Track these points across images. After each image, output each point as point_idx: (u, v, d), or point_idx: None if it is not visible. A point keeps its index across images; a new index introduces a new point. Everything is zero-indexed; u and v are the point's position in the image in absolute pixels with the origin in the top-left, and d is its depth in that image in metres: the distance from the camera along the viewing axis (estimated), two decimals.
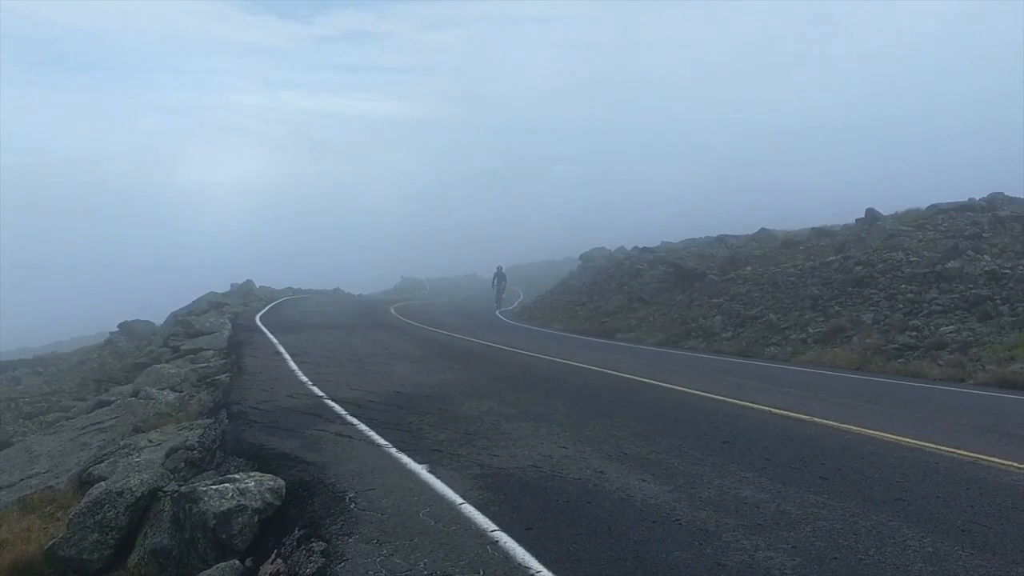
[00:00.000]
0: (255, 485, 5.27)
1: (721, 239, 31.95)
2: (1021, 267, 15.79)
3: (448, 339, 18.93)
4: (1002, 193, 22.95)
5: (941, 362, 13.22)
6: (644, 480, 5.33)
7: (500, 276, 37.60)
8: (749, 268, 23.49)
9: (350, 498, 5.00)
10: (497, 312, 35.10)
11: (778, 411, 8.10)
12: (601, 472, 5.54)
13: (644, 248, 36.48)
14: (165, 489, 6.26)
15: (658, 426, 7.29)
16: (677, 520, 4.48)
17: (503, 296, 37.82)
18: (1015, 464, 5.73)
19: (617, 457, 6.01)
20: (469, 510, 4.70)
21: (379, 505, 4.85)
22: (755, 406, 8.46)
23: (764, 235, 29.37)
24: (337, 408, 8.14)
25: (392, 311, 31.53)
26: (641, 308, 25.91)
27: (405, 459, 5.96)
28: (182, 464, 7.12)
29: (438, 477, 5.43)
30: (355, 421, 7.44)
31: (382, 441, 6.58)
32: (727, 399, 8.99)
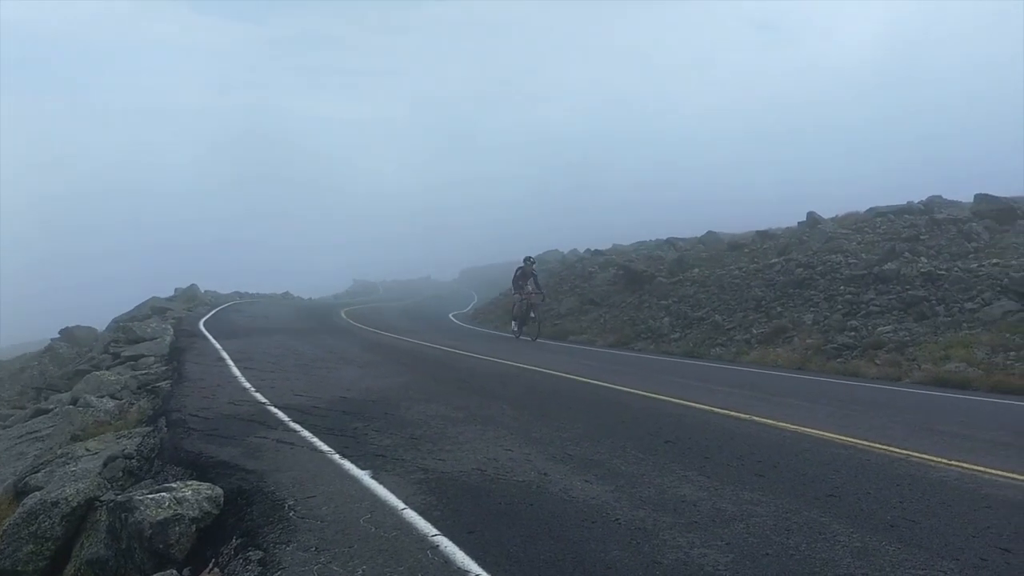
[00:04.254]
0: (192, 494, 5.19)
1: (670, 242, 32.38)
2: (956, 269, 16.31)
3: (398, 343, 18.84)
4: (940, 196, 23.69)
5: (878, 361, 13.60)
6: (587, 481, 5.39)
7: (527, 276, 21.22)
8: (696, 270, 23.84)
9: (289, 506, 4.97)
10: (450, 315, 34.98)
11: (720, 411, 8.26)
12: (545, 474, 5.59)
13: (596, 251, 36.81)
14: (102, 499, 6.13)
15: (604, 427, 7.37)
16: (617, 520, 4.54)
17: (531, 316, 20.75)
18: (943, 460, 5.93)
19: (562, 458, 6.07)
20: (411, 515, 4.71)
21: (319, 512, 4.82)
22: (699, 406, 8.61)
23: (711, 238, 29.84)
24: (280, 415, 8.05)
25: (342, 315, 31.25)
26: (593, 310, 26.09)
27: (348, 465, 5.93)
28: (120, 473, 6.98)
29: (381, 483, 5.42)
30: (298, 427, 7.37)
31: (325, 447, 6.53)
32: (672, 399, 9.13)
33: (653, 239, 36.18)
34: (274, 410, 8.34)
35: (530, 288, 21.24)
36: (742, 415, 7.97)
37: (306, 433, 7.13)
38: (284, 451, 6.48)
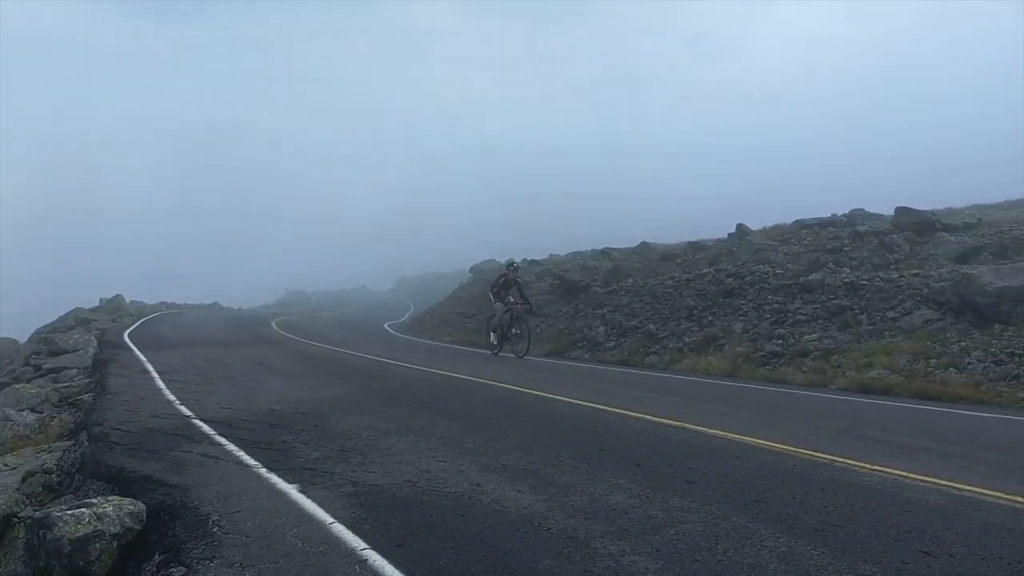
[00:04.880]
0: (114, 510, 4.99)
1: (605, 252, 32.75)
2: (878, 279, 16.87)
3: (330, 353, 18.55)
4: (862, 209, 24.46)
5: (805, 369, 13.95)
6: (520, 491, 5.35)
7: (509, 285, 18.78)
8: (631, 280, 24.12)
9: (213, 521, 4.81)
10: (386, 325, 34.63)
11: (653, 418, 8.33)
12: (478, 484, 5.53)
13: (532, 261, 36.94)
14: (20, 515, 5.86)
15: (538, 437, 7.35)
16: (549, 529, 4.52)
17: (514, 331, 18.46)
18: (866, 465, 6.08)
19: (495, 469, 6.02)
20: (339, 529, 4.60)
21: (244, 528, 4.67)
22: (632, 414, 8.68)
23: (644, 248, 30.27)
24: (205, 428, 7.82)
25: (273, 325, 30.64)
26: (529, 320, 26.13)
27: (275, 479, 5.78)
28: (39, 488, 6.71)
29: (309, 497, 5.29)
30: (224, 441, 7.16)
31: (251, 461, 6.35)
32: (607, 408, 9.18)
33: (589, 249, 36.53)
34: (199, 423, 8.09)
35: (511, 299, 18.49)
36: (674, 422, 8.05)
37: (232, 447, 6.93)
38: (209, 465, 6.28)
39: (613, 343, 19.90)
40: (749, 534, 4.36)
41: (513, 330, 18.48)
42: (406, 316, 43.19)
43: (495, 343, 19.13)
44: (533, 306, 20.74)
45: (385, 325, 35.84)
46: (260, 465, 6.21)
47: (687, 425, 7.90)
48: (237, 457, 6.54)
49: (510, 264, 19.59)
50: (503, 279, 19.02)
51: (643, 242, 31.47)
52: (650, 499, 5.08)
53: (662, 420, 8.24)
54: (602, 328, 21.04)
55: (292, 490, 5.46)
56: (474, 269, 44.56)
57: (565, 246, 41.62)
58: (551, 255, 38.69)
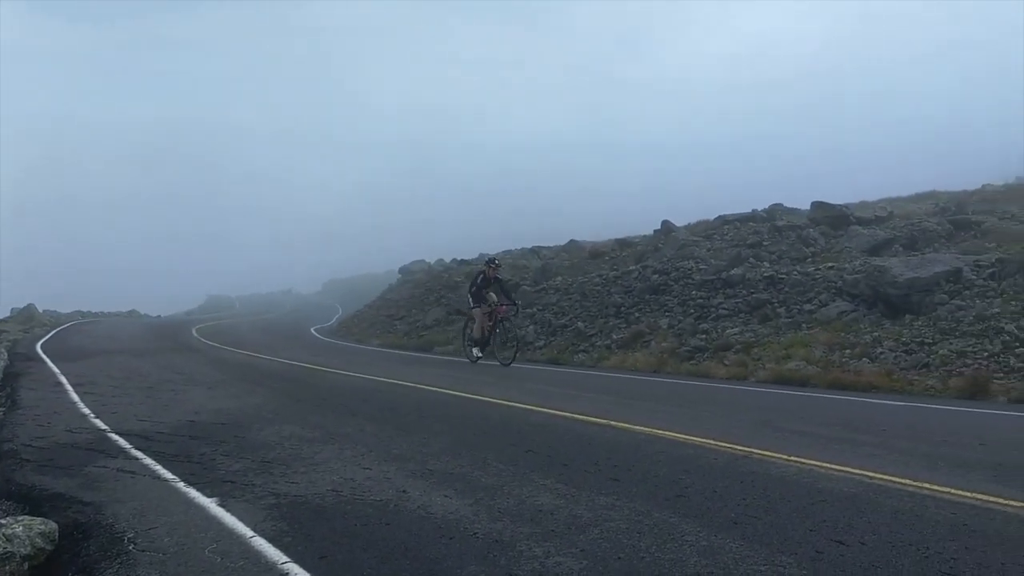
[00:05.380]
0: (24, 530, 4.75)
1: (534, 250, 32.93)
2: (796, 272, 17.40)
3: (253, 360, 18.14)
4: (781, 204, 25.21)
5: (727, 362, 14.29)
6: (447, 496, 5.32)
7: (489, 283, 17.01)
8: (559, 278, 24.31)
9: (129, 539, 4.63)
10: (312, 330, 34.07)
11: (580, 417, 8.41)
12: (404, 491, 5.48)
13: (462, 260, 36.89)
14: None
15: (466, 440, 7.33)
16: (475, 533, 4.50)
17: (497, 333, 16.82)
18: (783, 457, 6.26)
19: (422, 474, 5.97)
20: (260, 543, 4.48)
21: (161, 544, 4.51)
22: (560, 413, 8.73)
23: (573, 246, 30.55)
24: (121, 442, 7.53)
25: (194, 332, 29.81)
26: (459, 320, 26.05)
27: (193, 493, 5.60)
28: None
29: (228, 510, 5.14)
30: (140, 455, 6.91)
31: (169, 475, 6.14)
32: (535, 408, 9.21)
33: (519, 248, 36.67)
34: (115, 437, 7.79)
35: (493, 297, 16.74)
36: (600, 420, 8.14)
37: (149, 461, 6.69)
38: (125, 480, 6.05)
39: (543, 342, 20.03)
40: (671, 529, 4.43)
41: (497, 333, 16.65)
42: (334, 319, 42.61)
43: (474, 350, 17.09)
44: (520, 306, 19.12)
45: (312, 329, 35.27)
46: (178, 479, 6.01)
47: (613, 422, 7.99)
48: (154, 471, 6.32)
49: (490, 260, 17.35)
50: (482, 277, 16.96)
51: (572, 240, 31.76)
52: (576, 499, 5.11)
53: (589, 418, 8.32)
54: (531, 327, 21.14)
55: (211, 504, 5.30)
56: (403, 270, 44.22)
57: (496, 245, 41.74)
58: (481, 254, 38.69)
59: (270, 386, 12.36)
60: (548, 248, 32.71)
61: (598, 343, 18.34)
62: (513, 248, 37.66)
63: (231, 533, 4.69)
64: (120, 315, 43.34)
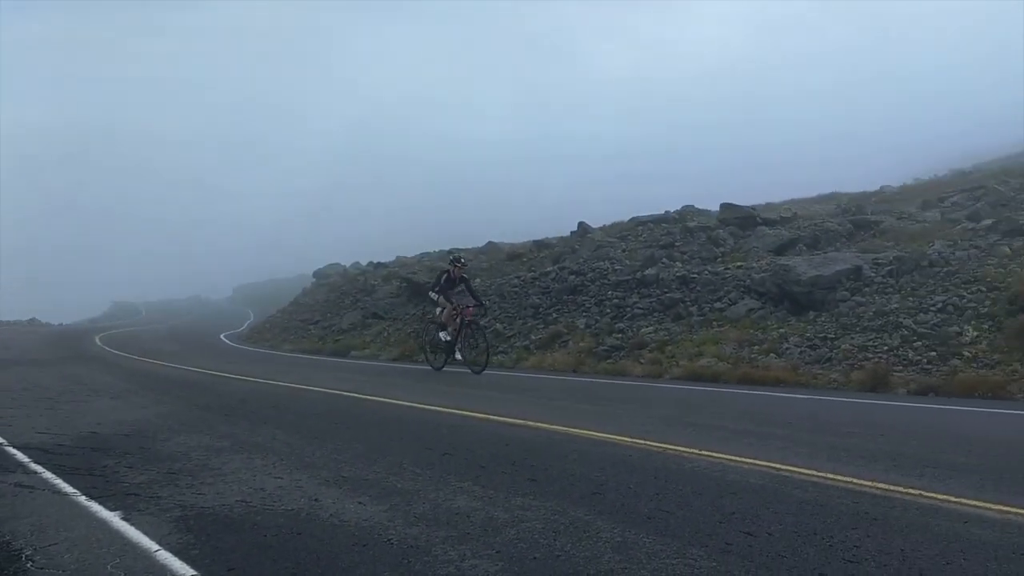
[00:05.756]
0: None
1: (452, 253, 32.81)
2: (706, 272, 17.85)
3: (159, 369, 17.50)
4: (692, 206, 25.87)
5: (643, 360, 14.55)
6: (360, 503, 5.21)
7: (454, 282, 15.41)
8: (478, 280, 24.29)
9: (27, 556, 4.37)
10: (222, 336, 33.10)
11: (498, 418, 8.40)
12: (316, 500, 5.34)
13: (378, 263, 36.51)
14: None
15: (381, 445, 7.22)
16: (389, 540, 4.42)
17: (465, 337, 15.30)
18: (695, 451, 6.38)
19: (335, 482, 5.84)
20: (165, 556, 4.30)
21: (60, 561, 4.28)
22: (478, 415, 8.71)
23: (491, 248, 30.61)
24: (19, 455, 7.13)
25: (97, 341, 28.61)
26: (376, 324, 25.82)
27: (95, 507, 5.33)
28: None
29: (132, 524, 4.91)
30: (40, 469, 6.55)
31: (70, 489, 5.84)
32: (452, 410, 9.16)
33: (437, 250, 36.51)
34: (12, 451, 7.37)
35: (459, 299, 15.27)
36: (518, 421, 8.14)
37: (49, 475, 6.35)
38: (23, 496, 5.72)
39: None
40: (586, 527, 4.44)
41: (463, 337, 15.07)
42: (244, 325, 41.54)
43: (436, 355, 15.77)
44: (487, 307, 18.32)
45: (222, 336, 34.27)
46: (79, 493, 5.72)
47: (531, 423, 8.01)
48: (54, 485, 6.00)
49: (455, 259, 15.69)
50: (446, 276, 15.39)
51: (490, 242, 31.82)
52: (493, 500, 5.09)
53: (507, 419, 8.31)
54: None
55: (114, 518, 5.06)
56: (318, 274, 43.45)
57: (414, 248, 41.45)
58: (398, 257, 38.35)
59: (177, 395, 11.94)
60: (466, 250, 32.68)
61: (516, 344, 18.41)
62: (431, 251, 37.50)
63: (135, 548, 4.49)
64: (18, 324, 41.19)
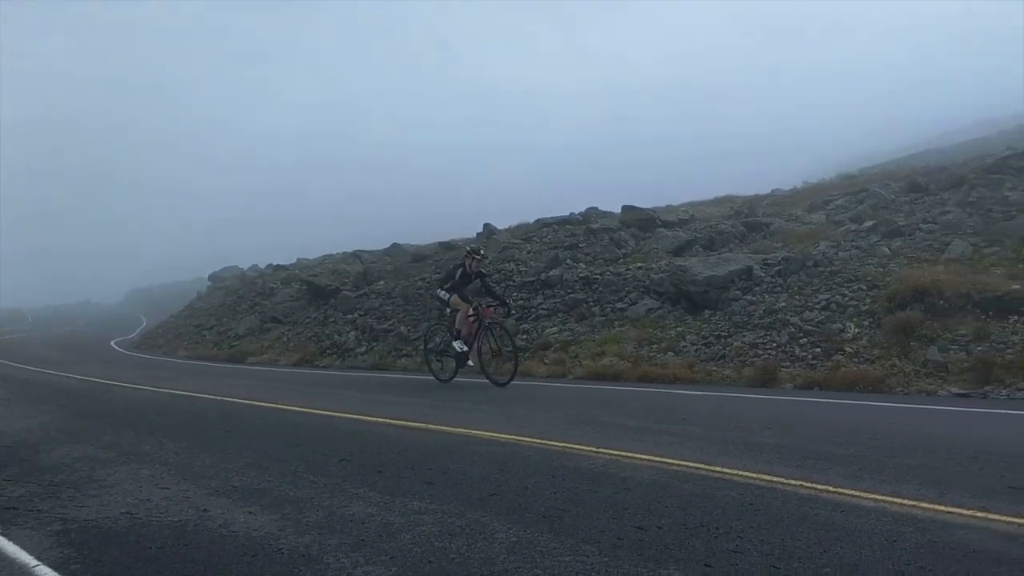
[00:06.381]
0: None
1: (356, 254, 32.35)
2: (609, 273, 18.17)
3: (44, 377, 16.61)
4: (596, 208, 26.26)
5: (547, 360, 14.70)
6: (251, 512, 5.07)
7: (469, 278, 12.98)
8: (382, 282, 24.05)
9: None
10: (112, 343, 31.64)
11: (397, 422, 8.32)
12: (204, 510, 5.17)
13: (278, 266, 35.65)
14: None
15: (275, 453, 7.04)
16: (280, 549, 4.31)
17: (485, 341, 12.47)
18: (593, 449, 6.49)
19: (225, 492, 5.66)
20: (44, 572, 4.11)
21: None
22: (377, 419, 8.61)
23: (396, 250, 30.31)
24: None
25: None
26: (275, 328, 25.19)
27: None
28: None
29: (10, 539, 4.68)
30: None
31: None
32: (351, 416, 9.03)
33: (339, 252, 35.91)
34: None
35: (474, 298, 13.06)
36: (418, 424, 8.10)
37: None
38: None
39: (364, 348, 19.72)
40: (482, 528, 4.46)
41: (483, 342, 12.45)
42: (136, 331, 39.83)
43: (445, 364, 13.07)
44: (511, 307, 15.82)
45: (112, 342, 32.75)
46: None
47: (432, 426, 7.98)
48: None
49: (472, 250, 13.31)
50: (460, 271, 12.97)
51: (394, 243, 31.51)
52: (389, 506, 5.03)
53: (406, 423, 8.25)
54: (353, 333, 20.77)
55: None
56: (213, 277, 42.05)
57: (317, 250, 40.63)
58: (299, 259, 37.52)
59: (61, 404, 11.35)
60: (370, 252, 32.27)
61: (421, 347, 18.28)
62: (333, 252, 36.86)
63: (12, 563, 4.28)
64: None
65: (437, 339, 13.40)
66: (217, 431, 8.53)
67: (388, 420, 8.49)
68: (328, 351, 20.39)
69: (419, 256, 27.21)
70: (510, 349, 12.40)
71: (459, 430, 7.66)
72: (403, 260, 27.67)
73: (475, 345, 12.42)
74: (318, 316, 24.01)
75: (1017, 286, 11.91)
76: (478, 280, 13.04)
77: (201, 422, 9.36)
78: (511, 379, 11.97)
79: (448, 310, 13.09)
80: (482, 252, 13.55)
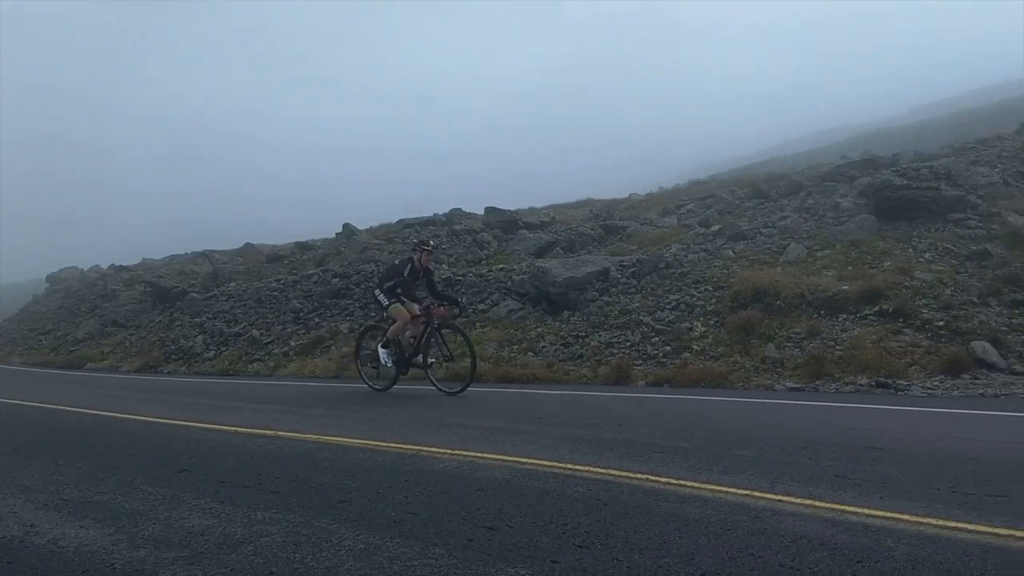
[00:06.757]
0: None
1: (205, 255, 30.94)
2: (471, 274, 18.25)
3: None
4: (460, 209, 26.39)
5: None
6: (83, 526, 4.72)
7: (417, 274, 11.30)
8: (233, 284, 23.14)
9: None
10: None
11: (244, 429, 7.99)
12: (31, 526, 4.77)
13: (121, 267, 33.58)
14: None
15: (110, 464, 6.60)
16: (112, 565, 4.03)
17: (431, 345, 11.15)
18: (448, 451, 6.46)
19: (55, 506, 5.24)
20: None
21: None
22: (222, 427, 8.24)
23: (249, 250, 29.26)
24: None
25: None
26: (117, 333, 23.74)
27: None
28: None
29: None
30: None
31: None
32: (195, 424, 8.59)
33: (188, 252, 34.20)
34: None
35: (424, 296, 11.65)
36: (267, 431, 7.80)
37: None
38: None
39: (213, 352, 18.89)
40: (329, 536, 4.33)
41: (432, 345, 11.12)
42: None
43: (383, 371, 11.47)
44: (464, 306, 14.82)
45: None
46: None
47: (281, 432, 7.70)
48: None
49: (422, 244, 11.59)
50: (409, 267, 11.27)
51: (247, 243, 30.38)
52: (231, 517, 4.81)
53: (254, 430, 7.93)
54: (200, 337, 19.85)
55: None
56: (51, 278, 39.04)
57: (162, 250, 38.50)
58: (144, 259, 35.46)
59: None
60: (221, 252, 30.93)
61: (275, 351, 17.70)
62: (181, 252, 35.07)
63: None
64: None
65: (374, 344, 11.65)
66: (50, 441, 7.91)
67: (233, 427, 8.13)
68: (173, 356, 19.38)
69: (274, 256, 26.38)
70: (469, 352, 10.79)
71: (310, 436, 7.45)
72: (257, 261, 26.74)
73: (421, 352, 11.09)
74: (163, 319, 22.79)
75: (845, 287, 12.88)
76: (426, 277, 11.44)
77: (31, 432, 8.66)
78: (466, 387, 10.71)
79: (385, 314, 11.56)
80: (432, 243, 11.93)
